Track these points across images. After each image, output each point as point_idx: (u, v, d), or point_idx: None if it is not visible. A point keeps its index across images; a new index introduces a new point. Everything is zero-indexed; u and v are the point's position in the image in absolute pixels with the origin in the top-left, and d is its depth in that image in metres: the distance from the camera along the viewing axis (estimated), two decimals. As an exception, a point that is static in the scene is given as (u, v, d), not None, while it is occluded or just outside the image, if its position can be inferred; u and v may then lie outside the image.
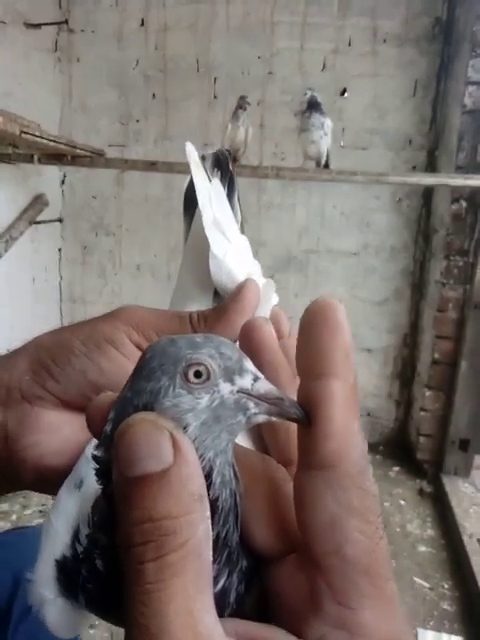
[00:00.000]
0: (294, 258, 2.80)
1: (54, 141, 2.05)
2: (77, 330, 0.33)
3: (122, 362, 0.31)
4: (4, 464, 0.31)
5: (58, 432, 0.30)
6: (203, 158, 0.44)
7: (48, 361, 0.31)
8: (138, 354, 0.25)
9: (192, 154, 0.43)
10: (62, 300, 3.09)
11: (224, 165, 0.44)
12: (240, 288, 0.33)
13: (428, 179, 2.24)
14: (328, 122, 2.11)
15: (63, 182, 2.97)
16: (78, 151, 2.24)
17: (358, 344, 2.79)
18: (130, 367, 0.24)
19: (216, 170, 0.44)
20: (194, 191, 0.41)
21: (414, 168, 2.65)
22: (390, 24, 2.57)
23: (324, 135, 2.11)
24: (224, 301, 0.34)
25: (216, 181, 0.43)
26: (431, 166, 2.63)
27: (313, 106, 2.13)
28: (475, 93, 2.21)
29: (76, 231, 3.01)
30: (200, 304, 0.37)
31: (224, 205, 0.43)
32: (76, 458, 0.29)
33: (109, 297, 3.04)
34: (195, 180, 0.41)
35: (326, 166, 2.17)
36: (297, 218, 2.77)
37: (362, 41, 2.61)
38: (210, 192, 0.42)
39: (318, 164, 2.17)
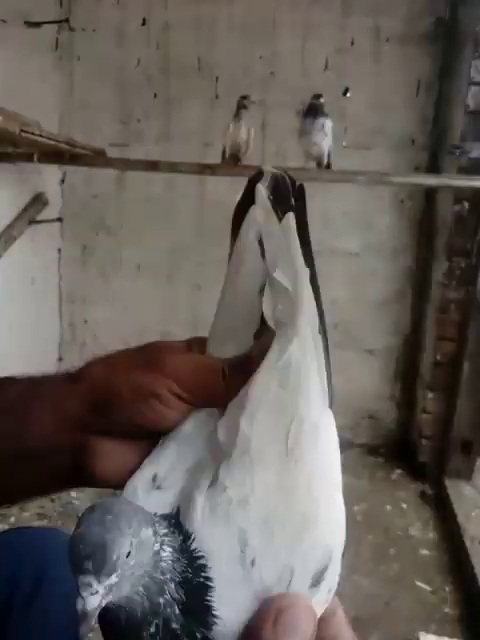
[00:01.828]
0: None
1: (54, 140, 2.04)
2: (125, 378, 0.37)
3: (163, 411, 0.35)
4: (73, 474, 0.38)
5: (109, 457, 0.36)
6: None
7: (102, 402, 0.36)
8: (178, 403, 0.35)
9: (260, 194, 0.37)
10: (62, 300, 3.08)
11: (284, 194, 0.38)
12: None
13: (431, 180, 2.23)
14: (328, 123, 2.11)
15: (63, 181, 2.96)
16: (78, 150, 2.23)
17: (360, 345, 2.78)
18: (170, 415, 0.35)
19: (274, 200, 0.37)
20: (241, 214, 0.38)
21: (417, 169, 2.64)
22: (392, 24, 2.56)
23: (325, 136, 2.11)
24: (251, 351, 0.37)
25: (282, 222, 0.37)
26: (434, 167, 2.62)
27: (313, 109, 2.15)
28: (478, 94, 2.20)
29: (76, 231, 2.99)
30: (239, 340, 0.38)
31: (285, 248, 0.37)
32: (124, 477, 0.35)
33: (110, 298, 3.02)
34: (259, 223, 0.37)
35: (328, 166, 2.16)
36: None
37: (364, 41, 2.60)
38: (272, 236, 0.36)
39: (319, 164, 2.17)
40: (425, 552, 2.01)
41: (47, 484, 0.41)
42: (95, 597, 0.24)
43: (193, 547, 0.28)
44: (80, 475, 0.37)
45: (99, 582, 0.24)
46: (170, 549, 0.27)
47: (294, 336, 0.33)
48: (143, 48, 2.77)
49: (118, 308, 3.01)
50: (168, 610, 0.26)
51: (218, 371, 0.36)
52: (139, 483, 0.32)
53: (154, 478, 0.32)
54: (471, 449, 2.32)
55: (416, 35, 2.56)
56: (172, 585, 0.27)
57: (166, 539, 0.27)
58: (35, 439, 0.37)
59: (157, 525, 0.28)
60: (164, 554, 0.27)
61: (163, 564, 0.27)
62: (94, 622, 0.24)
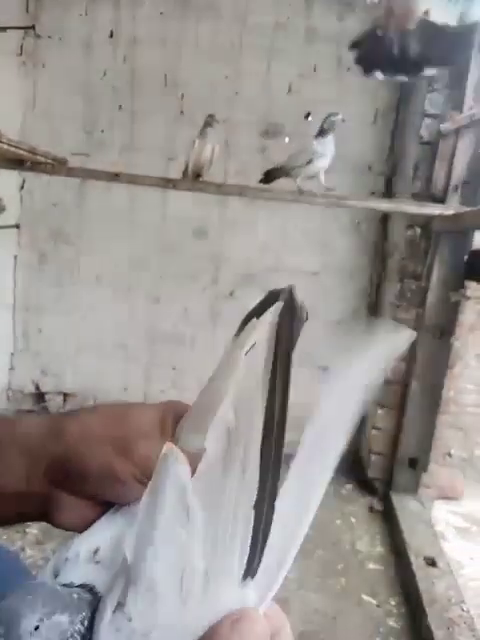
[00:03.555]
0: (255, 275, 2.83)
1: (15, 146, 2.01)
2: (97, 455, 0.38)
3: (124, 493, 0.37)
4: (38, 516, 0.41)
5: (70, 510, 0.39)
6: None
7: (71, 468, 0.38)
8: (140, 488, 0.32)
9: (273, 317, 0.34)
10: (15, 308, 3.01)
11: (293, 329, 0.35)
12: None
13: (385, 205, 2.32)
14: (333, 150, 2.06)
15: (22, 187, 2.91)
16: (39, 158, 2.20)
17: (313, 362, 2.83)
18: (130, 496, 0.36)
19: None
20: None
21: (373, 193, 2.74)
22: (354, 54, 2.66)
23: (333, 158, 2.06)
24: None
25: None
26: (389, 192, 2.73)
27: (333, 130, 2.04)
28: (431, 125, 2.31)
29: (34, 238, 2.94)
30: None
31: None
32: (81, 528, 0.37)
33: (66, 307, 2.97)
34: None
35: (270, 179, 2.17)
36: (259, 236, 2.81)
37: (327, 68, 2.70)
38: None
39: (272, 179, 2.17)
40: (372, 566, 2.05)
41: (11, 520, 0.43)
42: None
43: None
44: (43, 518, 0.40)
45: None
46: (79, 634, 0.30)
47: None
48: (110, 60, 2.78)
49: (74, 318, 2.97)
50: None
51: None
52: (82, 552, 0.34)
53: (96, 551, 0.34)
54: (417, 465, 2.40)
55: (375, 66, 2.67)
56: None
57: (76, 627, 0.30)
58: (9, 485, 0.39)
59: (76, 613, 0.30)
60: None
61: None
62: None
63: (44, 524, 0.41)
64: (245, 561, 0.30)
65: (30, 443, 0.40)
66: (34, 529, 1.97)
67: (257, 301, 0.37)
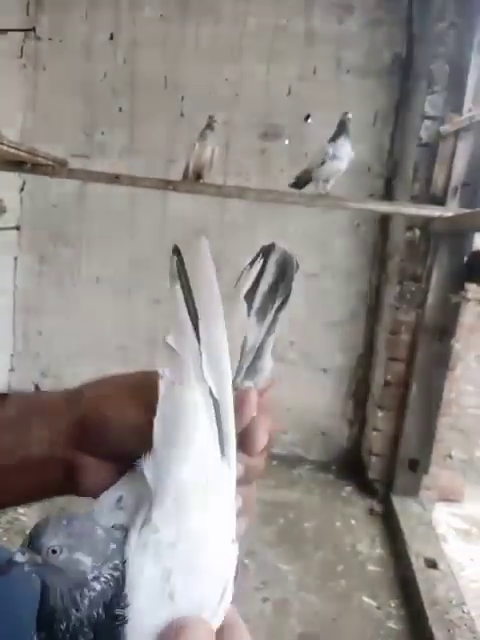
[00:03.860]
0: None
1: (15, 148, 2.01)
2: (117, 410, 0.39)
3: (145, 444, 0.37)
4: (61, 486, 0.42)
5: (93, 474, 0.40)
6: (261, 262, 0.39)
7: (93, 427, 0.39)
8: None
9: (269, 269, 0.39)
10: (15, 310, 3.01)
11: (288, 277, 0.39)
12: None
13: (384, 207, 2.33)
14: (353, 153, 2.05)
15: (23, 189, 2.91)
16: (40, 160, 2.21)
17: (314, 364, 2.84)
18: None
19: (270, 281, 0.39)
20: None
21: (372, 195, 2.74)
22: (353, 56, 2.67)
23: (349, 161, 2.05)
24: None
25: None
26: (388, 194, 2.73)
27: (346, 130, 2.02)
28: (430, 127, 2.32)
29: (34, 240, 2.95)
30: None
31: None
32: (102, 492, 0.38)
33: (66, 309, 2.97)
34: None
35: (301, 187, 2.16)
36: (259, 238, 2.81)
37: (326, 70, 2.70)
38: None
39: (298, 185, 2.14)
40: (372, 568, 2.05)
41: (36, 493, 0.44)
42: (19, 557, 0.30)
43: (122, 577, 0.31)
44: (66, 487, 0.41)
45: (29, 554, 0.30)
46: (107, 579, 0.31)
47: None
48: (110, 62, 2.78)
49: (74, 320, 2.97)
50: (78, 623, 0.30)
51: None
52: (106, 502, 0.36)
53: (119, 499, 0.36)
54: (418, 467, 2.40)
55: (375, 68, 2.68)
56: (97, 608, 0.30)
57: (105, 571, 0.31)
58: (33, 452, 0.40)
59: (104, 561, 0.31)
60: (95, 582, 0.30)
61: (90, 589, 0.30)
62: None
63: None
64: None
65: (50, 411, 0.41)
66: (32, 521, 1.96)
67: (253, 257, 0.41)
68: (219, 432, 0.34)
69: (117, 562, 0.31)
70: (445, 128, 2.22)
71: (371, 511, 2.43)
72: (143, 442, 0.37)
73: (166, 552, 0.31)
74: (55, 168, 2.30)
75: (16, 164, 2.21)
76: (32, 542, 0.30)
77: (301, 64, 2.71)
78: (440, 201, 2.24)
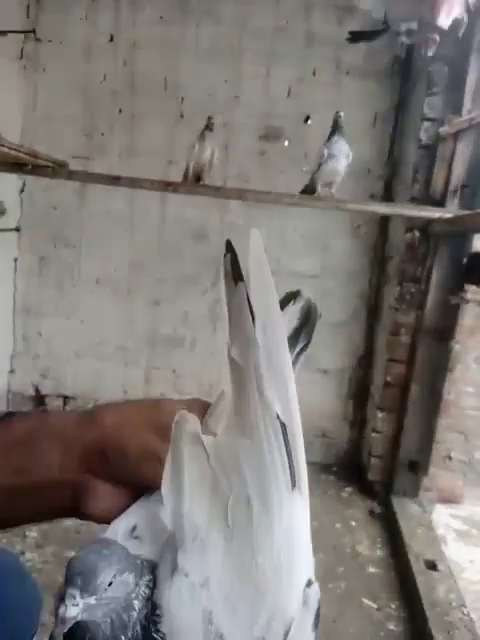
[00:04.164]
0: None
1: (15, 150, 2.01)
2: (135, 436, 0.39)
3: (161, 473, 0.37)
4: (69, 509, 0.41)
5: (103, 498, 0.40)
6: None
7: (109, 452, 0.39)
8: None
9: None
10: (15, 311, 3.01)
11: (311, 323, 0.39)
12: None
13: (384, 208, 2.33)
14: (351, 151, 2.04)
15: (23, 190, 2.91)
16: (40, 161, 2.21)
17: (315, 365, 2.84)
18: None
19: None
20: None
21: (372, 196, 2.75)
22: (353, 58, 2.68)
23: (347, 164, 2.04)
24: None
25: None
26: (388, 195, 2.74)
27: (339, 129, 2.02)
28: (430, 129, 2.32)
29: (34, 241, 2.95)
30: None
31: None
32: (111, 518, 0.38)
33: (65, 310, 2.98)
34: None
35: (313, 191, 2.12)
36: (258, 239, 2.81)
37: (326, 72, 2.71)
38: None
39: (311, 191, 2.11)
40: (372, 570, 2.05)
41: (43, 515, 0.44)
42: (75, 608, 0.28)
43: (159, 621, 0.31)
44: (75, 510, 0.41)
45: (82, 597, 0.29)
46: (143, 597, 0.31)
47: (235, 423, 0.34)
48: (110, 64, 2.79)
49: (74, 321, 2.97)
50: None
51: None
52: (120, 529, 0.36)
53: (133, 529, 0.36)
54: (418, 468, 2.40)
55: (374, 70, 2.68)
56: (137, 628, 0.31)
57: (141, 590, 0.31)
58: (42, 474, 0.40)
59: (140, 576, 0.31)
60: (136, 601, 0.31)
61: (133, 609, 0.31)
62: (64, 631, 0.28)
63: (44, 528, 0.42)
64: (288, 474, 0.33)
65: (64, 432, 0.40)
66: (34, 532, 1.96)
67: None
68: (288, 458, 0.33)
69: (148, 577, 0.32)
70: (444, 129, 2.23)
71: (371, 512, 2.43)
72: (157, 471, 0.37)
73: (200, 594, 0.31)
74: (55, 169, 2.30)
75: (16, 165, 2.21)
76: (84, 584, 0.29)
77: (301, 65, 2.71)
78: (440, 202, 2.24)
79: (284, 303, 0.40)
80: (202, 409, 0.41)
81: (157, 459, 0.37)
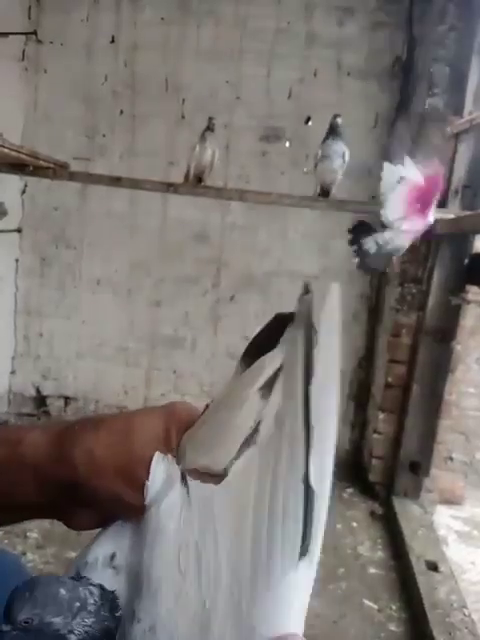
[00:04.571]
0: (255, 279, 2.84)
1: (17, 151, 2.02)
2: (115, 470, 0.38)
3: (141, 507, 0.37)
4: (50, 518, 0.42)
5: (82, 518, 0.40)
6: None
7: (88, 485, 0.38)
8: None
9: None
10: (17, 312, 3.01)
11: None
12: None
13: (385, 209, 2.32)
14: (347, 151, 2.05)
15: (24, 192, 2.92)
16: (41, 162, 2.21)
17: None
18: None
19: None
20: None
21: (373, 197, 2.74)
22: (354, 59, 2.68)
23: (343, 164, 2.04)
24: None
25: None
26: (389, 196, 2.73)
27: (335, 132, 2.04)
28: (431, 130, 2.32)
29: (35, 242, 2.95)
30: (215, 457, 0.36)
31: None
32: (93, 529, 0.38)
33: (67, 311, 2.98)
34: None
35: (327, 194, 2.12)
36: (259, 240, 2.82)
37: (327, 73, 2.71)
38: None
39: (325, 193, 2.11)
40: (373, 571, 2.04)
41: (21, 520, 0.46)
42: (4, 627, 0.32)
43: None
44: (54, 517, 0.42)
45: (5, 625, 0.32)
46: (79, 632, 0.33)
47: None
48: (111, 65, 2.79)
49: (75, 322, 2.97)
50: None
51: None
52: (100, 556, 0.36)
53: (112, 557, 0.36)
54: (419, 469, 2.39)
55: (376, 71, 2.69)
56: None
57: (80, 628, 0.33)
58: (17, 499, 0.40)
59: (71, 615, 0.32)
60: (72, 636, 0.33)
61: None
62: None
63: (45, 529, 0.43)
64: (299, 541, 0.32)
65: (38, 467, 0.40)
66: (35, 533, 1.97)
67: (262, 326, 0.37)
68: (305, 525, 0.32)
69: (87, 617, 0.33)
70: (446, 131, 2.23)
71: (372, 513, 2.43)
72: (130, 515, 0.37)
73: (149, 638, 0.32)
74: (56, 171, 2.30)
75: (18, 167, 2.21)
76: (7, 618, 0.32)
77: (302, 66, 2.71)
78: (441, 203, 2.24)
79: (272, 327, 0.38)
80: (181, 421, 0.39)
81: (126, 507, 0.37)
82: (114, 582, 0.35)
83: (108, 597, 0.34)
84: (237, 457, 0.35)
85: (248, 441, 0.35)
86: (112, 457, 0.38)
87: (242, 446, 0.35)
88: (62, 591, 0.33)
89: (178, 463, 0.36)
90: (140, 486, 0.37)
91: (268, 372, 0.35)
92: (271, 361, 0.36)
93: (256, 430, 0.35)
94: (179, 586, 0.32)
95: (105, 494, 0.38)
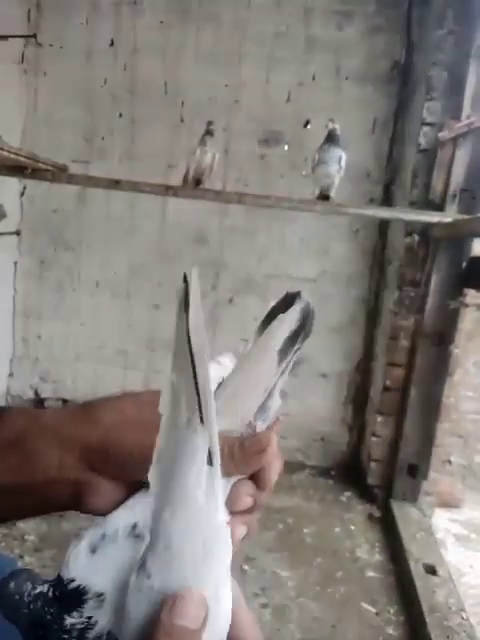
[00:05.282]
0: (254, 282, 2.84)
1: (16, 153, 2.02)
2: (138, 438, 0.39)
3: None
4: (69, 504, 0.41)
5: (103, 494, 0.40)
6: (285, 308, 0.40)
7: (111, 453, 0.39)
8: None
9: (293, 316, 0.39)
10: (15, 314, 3.01)
11: (308, 326, 0.40)
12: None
13: (383, 213, 2.34)
14: (344, 156, 2.08)
15: (23, 194, 2.92)
16: (40, 165, 2.22)
17: (314, 369, 2.84)
18: None
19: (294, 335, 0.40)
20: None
21: (371, 201, 2.75)
22: (352, 63, 2.69)
23: (339, 169, 2.07)
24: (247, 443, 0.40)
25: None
26: (387, 200, 2.74)
27: (332, 138, 2.08)
28: (429, 133, 2.33)
29: (34, 244, 2.95)
30: (234, 420, 0.40)
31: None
32: (110, 511, 0.38)
33: (65, 313, 2.98)
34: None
35: (327, 198, 2.14)
36: (258, 243, 2.82)
37: (325, 77, 2.72)
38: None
39: (325, 197, 2.13)
40: (371, 574, 2.04)
41: (42, 510, 0.44)
42: None
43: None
44: (74, 505, 0.41)
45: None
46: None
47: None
48: (110, 68, 2.80)
49: (74, 324, 2.97)
50: None
51: (223, 447, 0.40)
52: (120, 527, 0.36)
53: (134, 526, 0.36)
54: (417, 472, 2.39)
55: (374, 75, 2.70)
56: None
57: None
58: (40, 473, 0.40)
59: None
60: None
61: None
62: None
63: (42, 532, 0.42)
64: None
65: (62, 431, 0.40)
66: (32, 536, 1.96)
67: (278, 299, 0.42)
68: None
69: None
70: (444, 134, 2.23)
71: (370, 517, 2.43)
72: None
73: (157, 598, 0.32)
74: (55, 173, 2.30)
75: (17, 169, 2.21)
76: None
77: (300, 70, 2.72)
78: (439, 207, 2.25)
79: (284, 303, 0.41)
80: None
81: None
82: (137, 551, 0.34)
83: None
84: (255, 419, 0.39)
85: (264, 405, 0.39)
86: (142, 415, 0.39)
87: (258, 409, 0.38)
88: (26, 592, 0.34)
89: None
90: None
91: (284, 333, 0.39)
92: (285, 323, 0.40)
93: (270, 394, 0.39)
94: (198, 564, 0.33)
95: (136, 449, 0.38)
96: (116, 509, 0.37)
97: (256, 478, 0.40)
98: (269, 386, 0.40)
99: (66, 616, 0.33)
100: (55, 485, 0.40)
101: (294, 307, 0.40)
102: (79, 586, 0.33)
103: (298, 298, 0.41)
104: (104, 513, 0.39)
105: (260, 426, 0.39)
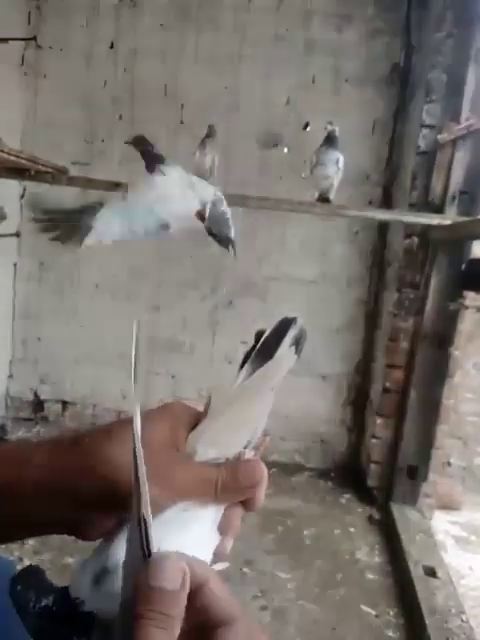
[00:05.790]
0: (254, 284, 2.84)
1: (16, 156, 2.02)
2: (125, 482, 0.38)
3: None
4: (62, 532, 0.42)
5: (93, 526, 0.40)
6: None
7: (105, 494, 0.39)
8: None
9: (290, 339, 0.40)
10: (15, 316, 3.01)
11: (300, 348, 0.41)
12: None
13: (382, 215, 2.34)
14: (342, 158, 2.09)
15: (23, 196, 2.92)
16: (40, 167, 2.22)
17: (314, 371, 2.84)
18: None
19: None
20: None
21: (370, 203, 2.76)
22: (352, 65, 2.70)
23: (337, 171, 2.08)
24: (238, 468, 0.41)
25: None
26: (386, 202, 2.75)
27: (330, 141, 2.09)
28: (428, 136, 2.33)
29: (34, 247, 2.95)
30: (225, 449, 0.42)
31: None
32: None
33: (65, 315, 2.98)
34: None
35: (327, 200, 2.14)
36: (258, 245, 2.82)
37: (325, 79, 2.72)
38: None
39: (324, 199, 2.14)
40: (371, 576, 2.04)
41: (33, 536, 0.47)
42: None
43: None
44: (70, 534, 0.41)
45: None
46: None
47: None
48: (110, 71, 2.80)
49: (74, 326, 2.97)
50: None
51: (213, 485, 0.41)
52: (121, 559, 0.35)
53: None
54: (417, 474, 2.39)
55: (374, 78, 2.70)
56: None
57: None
58: (33, 523, 0.41)
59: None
60: None
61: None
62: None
63: None
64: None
65: (53, 484, 0.39)
66: (31, 539, 1.96)
67: (272, 328, 0.42)
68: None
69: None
70: (443, 136, 2.24)
71: (370, 519, 2.43)
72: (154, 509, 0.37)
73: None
74: (55, 175, 2.31)
75: (17, 171, 2.22)
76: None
77: (300, 73, 2.73)
78: (438, 209, 2.25)
79: (280, 330, 0.41)
80: (183, 421, 0.42)
81: (154, 505, 0.38)
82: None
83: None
84: (246, 447, 0.40)
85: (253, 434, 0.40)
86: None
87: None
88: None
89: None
90: (164, 485, 0.39)
91: (282, 373, 0.40)
92: (284, 363, 0.40)
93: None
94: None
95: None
96: (114, 536, 0.38)
97: (246, 502, 0.42)
98: (262, 423, 0.41)
99: (75, 638, 0.34)
100: (48, 527, 0.42)
101: (287, 334, 0.40)
102: (91, 612, 0.34)
103: (293, 324, 0.41)
104: (96, 539, 0.40)
105: (248, 454, 0.41)
